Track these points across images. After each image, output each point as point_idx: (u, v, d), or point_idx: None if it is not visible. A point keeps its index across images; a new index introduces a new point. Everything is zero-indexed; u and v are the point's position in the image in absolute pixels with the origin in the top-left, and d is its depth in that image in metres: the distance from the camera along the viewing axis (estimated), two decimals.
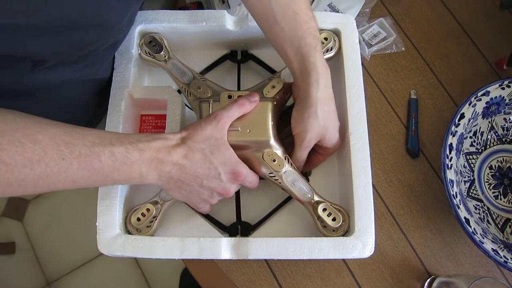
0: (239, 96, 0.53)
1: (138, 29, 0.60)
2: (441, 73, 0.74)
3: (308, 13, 0.49)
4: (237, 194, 0.58)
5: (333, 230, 0.52)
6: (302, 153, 0.53)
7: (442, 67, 0.74)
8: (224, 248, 0.51)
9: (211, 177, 0.48)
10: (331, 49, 0.60)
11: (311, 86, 0.49)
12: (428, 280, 0.62)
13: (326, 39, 0.61)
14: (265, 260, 0.62)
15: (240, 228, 0.56)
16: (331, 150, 0.56)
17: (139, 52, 0.60)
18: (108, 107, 0.55)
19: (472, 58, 0.75)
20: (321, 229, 0.53)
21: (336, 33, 0.61)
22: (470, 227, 0.57)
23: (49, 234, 1.43)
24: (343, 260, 0.63)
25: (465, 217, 0.58)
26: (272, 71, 0.64)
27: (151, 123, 0.61)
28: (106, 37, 0.46)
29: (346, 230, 0.53)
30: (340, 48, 0.60)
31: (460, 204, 0.58)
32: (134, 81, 0.59)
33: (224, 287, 0.61)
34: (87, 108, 0.58)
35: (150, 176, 0.45)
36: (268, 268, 0.62)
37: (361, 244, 0.51)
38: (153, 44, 0.60)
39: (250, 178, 0.51)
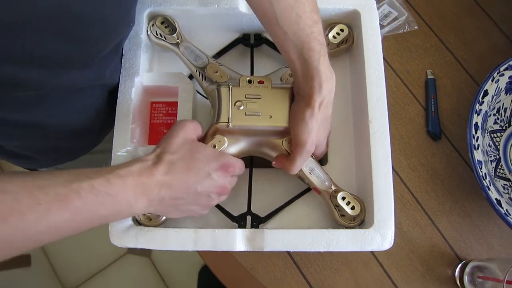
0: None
1: (147, 12, 0.57)
2: (457, 50, 0.71)
3: (312, 16, 0.46)
4: (249, 184, 0.56)
5: (351, 219, 0.51)
6: (302, 160, 0.49)
7: (457, 43, 0.71)
8: (239, 239, 0.49)
9: (203, 180, 0.45)
10: (346, 41, 0.59)
11: (314, 89, 0.46)
12: (460, 265, 0.60)
13: (342, 30, 0.59)
14: (290, 256, 0.60)
15: (250, 219, 0.55)
16: (316, 157, 0.54)
17: (149, 34, 0.58)
18: (118, 95, 0.54)
19: (488, 31, 0.72)
20: (338, 219, 0.52)
21: (354, 17, 0.59)
22: (503, 208, 0.55)
23: (63, 243, 1.40)
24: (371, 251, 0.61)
25: (496, 199, 0.55)
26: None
27: (162, 111, 0.59)
28: (113, 33, 0.44)
29: (362, 220, 0.52)
30: (353, 41, 0.60)
31: (490, 185, 0.56)
32: (144, 67, 0.57)
33: (251, 287, 0.59)
34: (99, 114, 0.56)
35: (140, 204, 0.41)
36: (294, 264, 0.60)
37: (380, 236, 0.49)
38: (165, 25, 0.58)
39: (239, 165, 0.48)
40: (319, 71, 0.45)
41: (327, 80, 0.46)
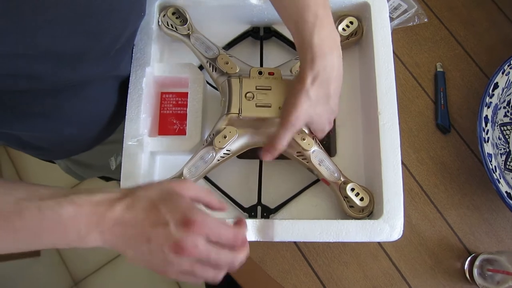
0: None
1: (158, 2, 0.58)
2: (466, 43, 0.71)
3: None
4: (259, 175, 0.57)
5: (360, 211, 0.52)
6: (285, 134, 0.46)
7: (467, 36, 0.71)
8: (249, 230, 0.50)
9: (158, 228, 0.37)
10: (355, 34, 0.60)
11: (305, 64, 0.44)
12: (469, 259, 0.60)
13: (351, 23, 0.59)
14: (299, 248, 0.60)
15: (261, 210, 0.55)
16: (316, 136, 0.53)
17: (160, 24, 0.58)
18: (129, 85, 0.54)
19: (498, 24, 0.72)
20: (347, 210, 0.52)
21: (364, 8, 0.58)
22: None
23: None
24: (379, 243, 0.61)
25: (506, 192, 0.55)
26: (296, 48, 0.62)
27: (172, 101, 0.59)
28: (124, 24, 0.44)
29: (371, 211, 0.52)
30: (362, 34, 0.60)
31: (500, 178, 0.56)
32: (154, 58, 0.57)
33: (259, 279, 0.59)
34: (111, 104, 0.56)
35: (92, 236, 0.37)
36: (303, 257, 0.60)
37: (389, 227, 0.50)
38: (176, 16, 0.58)
39: (214, 228, 0.38)
40: (311, 45, 0.43)
41: (322, 55, 0.43)
